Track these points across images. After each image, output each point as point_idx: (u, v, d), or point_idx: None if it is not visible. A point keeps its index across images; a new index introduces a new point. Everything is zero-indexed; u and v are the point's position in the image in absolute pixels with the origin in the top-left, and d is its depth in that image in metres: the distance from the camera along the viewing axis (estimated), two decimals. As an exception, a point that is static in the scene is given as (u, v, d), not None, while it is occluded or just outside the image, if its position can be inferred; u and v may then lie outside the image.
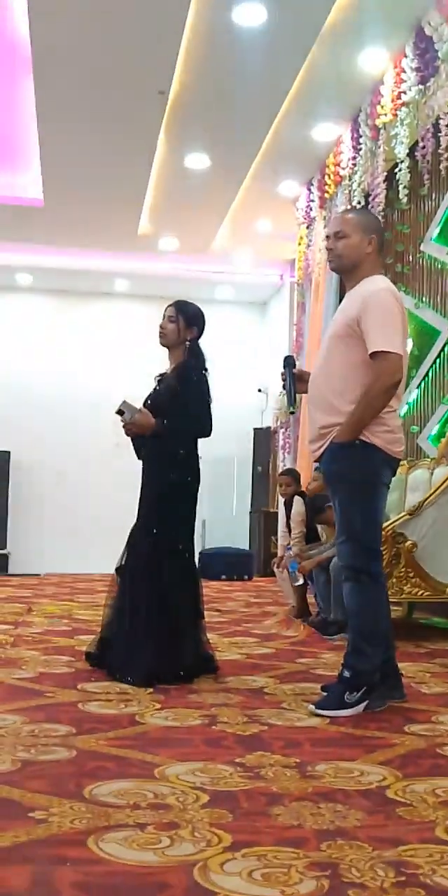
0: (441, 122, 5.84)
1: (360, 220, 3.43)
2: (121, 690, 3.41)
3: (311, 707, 3.12)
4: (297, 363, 3.65)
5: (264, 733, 2.80)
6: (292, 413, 3.73)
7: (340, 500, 3.26)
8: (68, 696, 3.30)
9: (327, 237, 3.43)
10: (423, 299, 7.04)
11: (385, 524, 4.96)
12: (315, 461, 3.55)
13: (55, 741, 2.60)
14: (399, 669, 3.40)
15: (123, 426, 3.83)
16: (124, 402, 3.82)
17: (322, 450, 3.29)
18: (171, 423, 3.77)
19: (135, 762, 2.41)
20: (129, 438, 3.94)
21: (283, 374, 3.53)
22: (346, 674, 3.18)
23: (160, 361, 4.10)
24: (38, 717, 2.91)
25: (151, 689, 3.43)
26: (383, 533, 4.85)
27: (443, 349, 6.71)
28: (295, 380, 3.52)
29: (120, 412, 3.79)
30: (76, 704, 3.15)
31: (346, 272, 3.40)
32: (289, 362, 3.54)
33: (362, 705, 3.12)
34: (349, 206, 7.44)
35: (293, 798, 2.12)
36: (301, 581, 5.86)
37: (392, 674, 3.33)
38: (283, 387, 3.54)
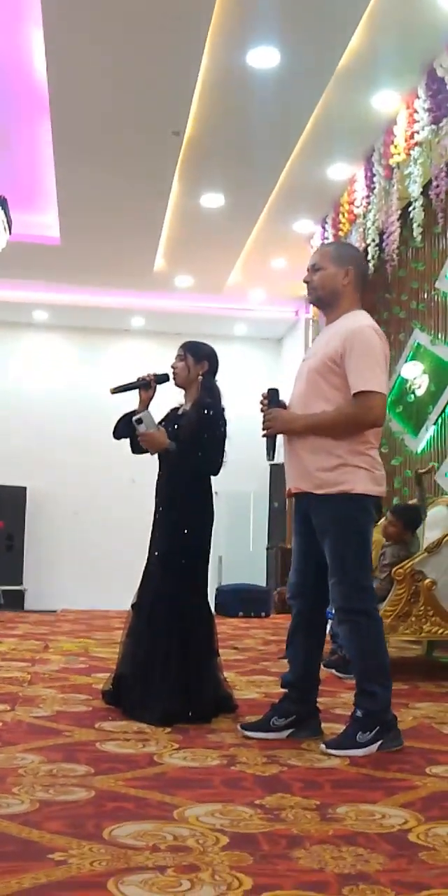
0: (454, 160, 5.90)
1: (336, 252, 3.34)
2: (138, 729, 3.39)
3: (323, 746, 3.09)
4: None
5: (284, 774, 2.77)
6: (272, 461, 3.63)
7: (331, 543, 3.18)
8: (86, 735, 3.28)
9: (308, 271, 3.32)
10: (439, 336, 7.05)
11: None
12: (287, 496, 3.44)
13: (73, 781, 2.58)
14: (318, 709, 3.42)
15: (138, 435, 3.83)
16: (147, 412, 3.84)
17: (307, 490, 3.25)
18: (182, 451, 3.77)
19: (153, 803, 2.39)
20: (144, 475, 3.95)
21: (262, 407, 3.33)
22: (358, 713, 3.13)
23: (175, 398, 4.12)
24: (56, 756, 2.89)
25: (169, 729, 3.41)
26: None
27: (459, 385, 6.72)
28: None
29: (139, 420, 3.79)
30: (94, 744, 3.13)
31: (324, 305, 3.32)
32: (274, 396, 3.34)
33: (376, 745, 3.06)
34: (363, 244, 7.49)
35: (314, 841, 2.09)
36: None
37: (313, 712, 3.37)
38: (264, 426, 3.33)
